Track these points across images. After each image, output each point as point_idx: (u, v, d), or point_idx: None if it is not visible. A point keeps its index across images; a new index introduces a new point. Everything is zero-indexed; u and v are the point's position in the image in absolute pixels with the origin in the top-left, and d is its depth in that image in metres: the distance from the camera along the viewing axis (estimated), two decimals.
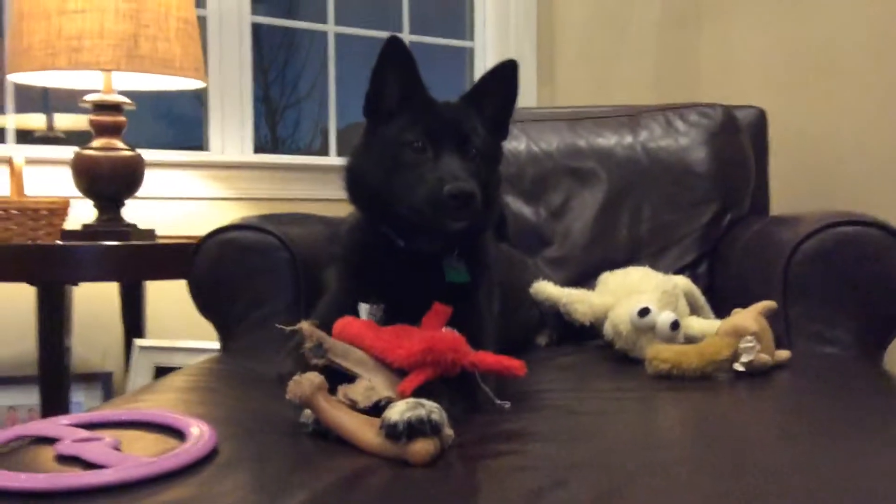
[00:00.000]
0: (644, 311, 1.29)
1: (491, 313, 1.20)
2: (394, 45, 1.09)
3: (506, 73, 1.17)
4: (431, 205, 1.03)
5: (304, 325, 0.95)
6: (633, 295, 1.37)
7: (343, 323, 1.01)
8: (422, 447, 0.80)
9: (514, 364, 0.98)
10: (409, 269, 1.12)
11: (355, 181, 1.15)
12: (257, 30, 2.54)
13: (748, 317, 1.20)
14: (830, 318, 1.34)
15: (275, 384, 1.02)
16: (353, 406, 0.88)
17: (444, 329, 1.00)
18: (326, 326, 0.99)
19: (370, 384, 0.91)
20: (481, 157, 1.10)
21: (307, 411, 0.89)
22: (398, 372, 0.94)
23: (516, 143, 1.95)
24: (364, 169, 1.13)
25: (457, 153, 1.07)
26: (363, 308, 1.07)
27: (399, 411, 0.82)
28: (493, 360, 0.98)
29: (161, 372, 2.03)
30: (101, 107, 1.92)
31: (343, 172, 1.16)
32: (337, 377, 0.92)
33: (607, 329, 1.37)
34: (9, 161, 1.88)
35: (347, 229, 1.19)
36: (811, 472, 0.79)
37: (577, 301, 1.43)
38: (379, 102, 1.13)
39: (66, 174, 1.95)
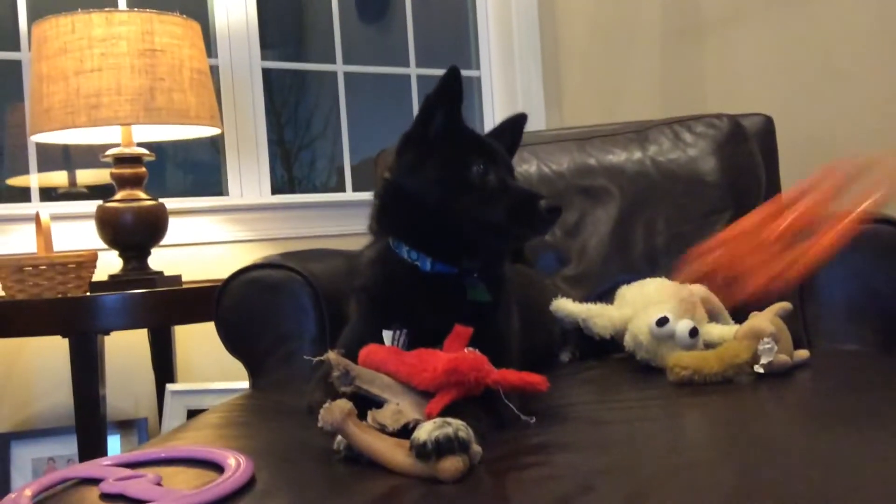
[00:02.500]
0: (662, 321, 1.31)
1: (511, 331, 1.22)
2: (454, 76, 1.15)
3: (519, 122, 1.33)
4: (523, 218, 1.11)
5: (331, 355, 0.97)
6: (651, 305, 1.39)
7: (368, 351, 1.04)
8: (451, 464, 0.82)
9: (536, 379, 1.01)
10: (432, 292, 1.15)
11: (402, 200, 1.17)
12: (267, 74, 2.60)
13: (764, 318, 1.21)
14: (847, 315, 1.35)
15: (305, 415, 1.05)
16: (382, 430, 0.91)
17: (466, 350, 1.03)
18: (351, 355, 1.02)
19: (397, 408, 0.94)
20: None
21: (339, 437, 0.92)
22: (424, 394, 0.97)
23: (527, 166, 1.99)
24: (418, 188, 1.15)
25: (511, 179, 1.17)
26: (387, 335, 1.10)
27: (427, 431, 0.85)
28: (515, 377, 1.00)
29: (193, 415, 2.06)
30: (121, 160, 1.98)
31: (383, 192, 1.20)
32: (365, 403, 0.95)
33: (628, 340, 1.38)
34: (35, 218, 1.94)
35: (367, 260, 1.22)
36: (834, 465, 0.80)
37: (597, 315, 1.45)
38: (428, 129, 1.18)
39: (91, 228, 2.01)
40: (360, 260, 1.25)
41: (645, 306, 1.41)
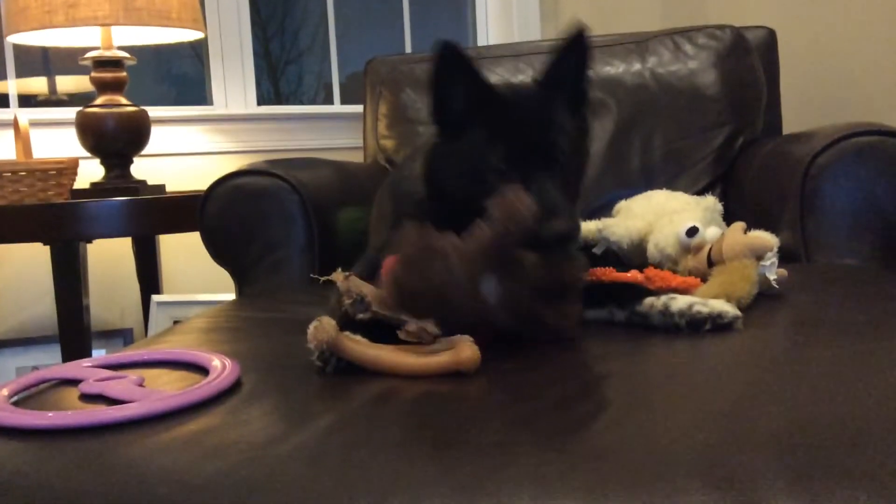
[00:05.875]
0: (693, 230, 1.24)
1: None
2: (446, 54, 0.98)
3: (579, 45, 1.05)
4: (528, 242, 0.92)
5: (339, 279, 0.89)
6: (668, 215, 1.33)
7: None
8: (469, 356, 0.81)
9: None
10: None
11: (438, 196, 1.05)
12: None
13: (763, 233, 1.15)
14: (849, 230, 1.32)
15: (294, 323, 1.00)
16: (419, 343, 0.85)
17: None
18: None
19: (421, 325, 0.88)
20: (568, 155, 1.01)
21: (318, 353, 0.85)
22: None
23: (523, 77, 1.92)
24: (446, 188, 1.03)
25: (544, 168, 0.98)
26: None
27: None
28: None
29: None
30: (101, 63, 1.90)
31: (424, 181, 1.06)
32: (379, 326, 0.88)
33: (651, 251, 1.32)
34: (13, 122, 1.87)
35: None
36: (838, 374, 0.78)
37: (613, 225, 1.40)
38: (445, 110, 1.02)
39: (71, 136, 1.95)
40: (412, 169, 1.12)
41: (658, 217, 1.35)
